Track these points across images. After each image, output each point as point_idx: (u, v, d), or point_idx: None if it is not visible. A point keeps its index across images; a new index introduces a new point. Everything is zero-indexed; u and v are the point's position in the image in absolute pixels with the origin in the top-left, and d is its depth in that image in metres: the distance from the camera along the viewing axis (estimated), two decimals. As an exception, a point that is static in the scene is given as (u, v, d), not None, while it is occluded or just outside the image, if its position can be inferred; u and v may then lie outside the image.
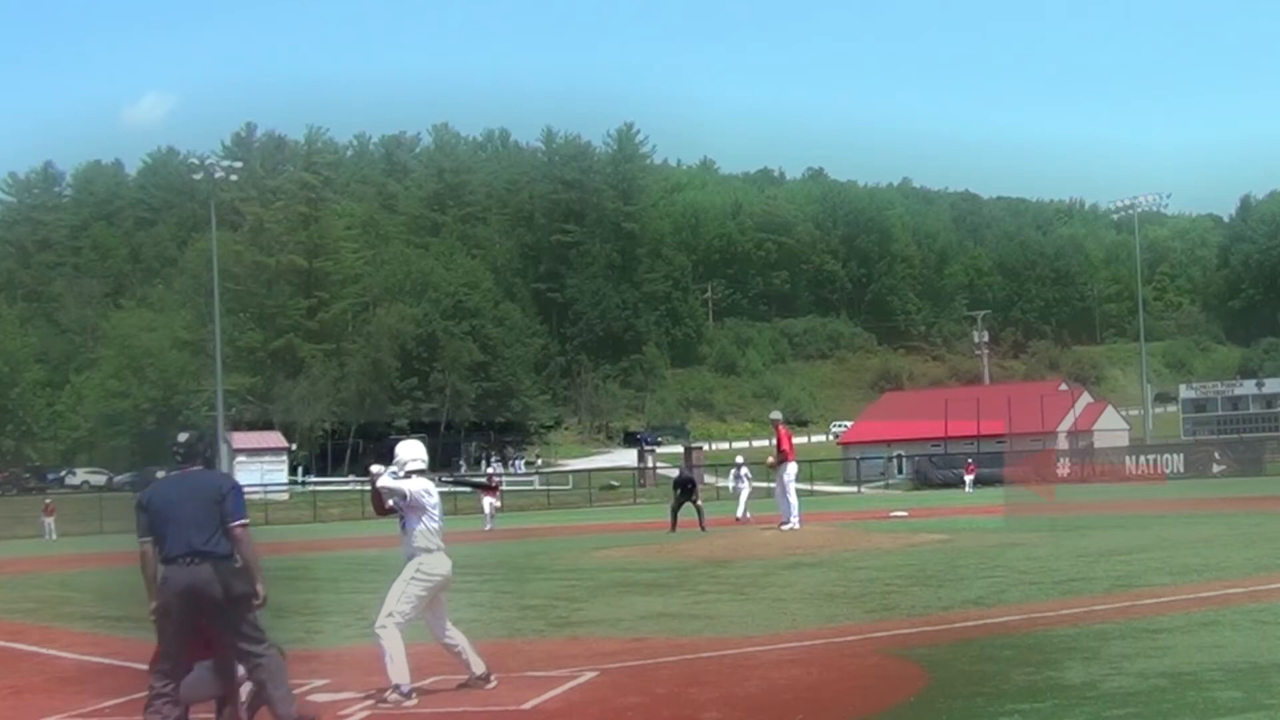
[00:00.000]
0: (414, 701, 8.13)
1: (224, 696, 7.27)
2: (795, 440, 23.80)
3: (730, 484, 36.37)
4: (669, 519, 28.39)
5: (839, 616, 11.80)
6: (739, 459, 36.84)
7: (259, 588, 7.03)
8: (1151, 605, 11.47)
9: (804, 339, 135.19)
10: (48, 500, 50.93)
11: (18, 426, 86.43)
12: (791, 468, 21.65)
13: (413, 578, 8.44)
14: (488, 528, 35.71)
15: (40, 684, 9.95)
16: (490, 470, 42.17)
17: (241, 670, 7.16)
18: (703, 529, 26.92)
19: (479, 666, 8.54)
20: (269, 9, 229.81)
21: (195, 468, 7.26)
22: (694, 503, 28.74)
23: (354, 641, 11.45)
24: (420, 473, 8.61)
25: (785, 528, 20.89)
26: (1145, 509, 29.32)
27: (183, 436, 7.42)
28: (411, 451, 8.72)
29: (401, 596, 8.40)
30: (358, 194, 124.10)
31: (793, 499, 21.23)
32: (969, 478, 54.92)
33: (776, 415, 23.11)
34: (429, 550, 8.45)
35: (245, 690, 7.46)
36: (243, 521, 7.04)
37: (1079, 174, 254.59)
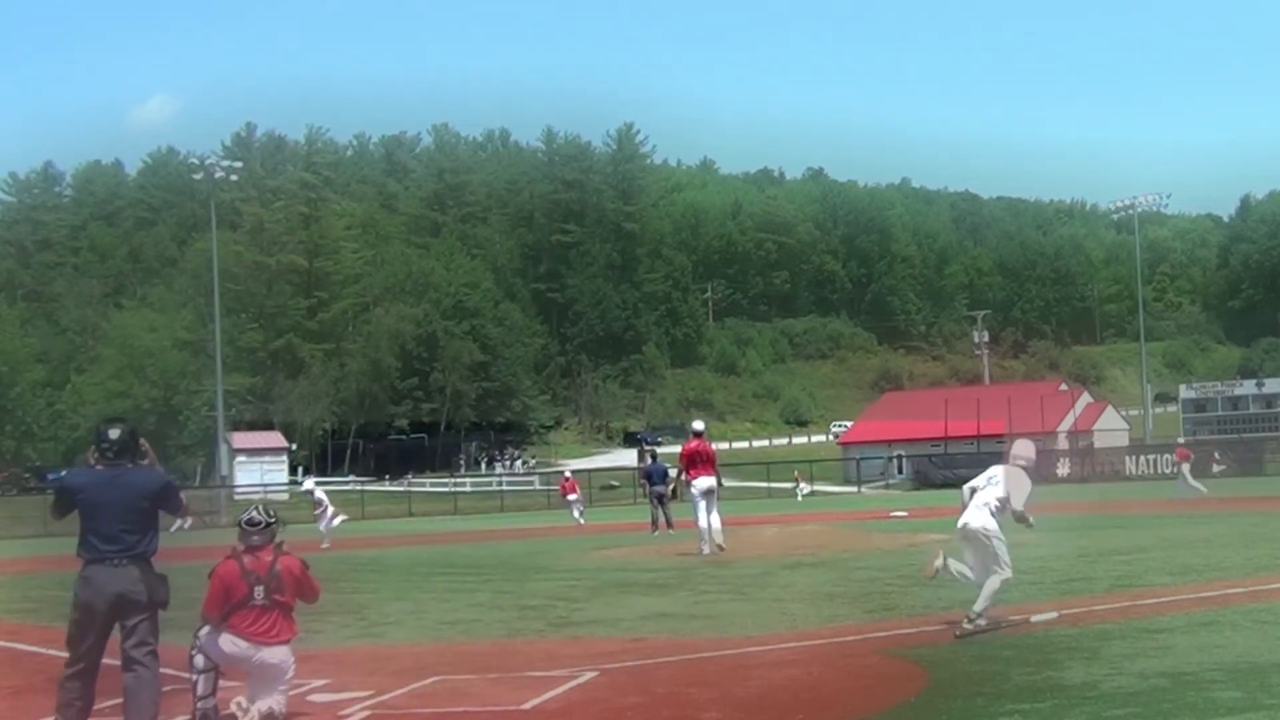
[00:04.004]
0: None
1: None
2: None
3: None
4: (664, 519, 28.14)
5: (839, 616, 11.79)
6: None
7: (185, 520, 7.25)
8: (1151, 605, 11.46)
9: (804, 339, 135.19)
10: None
11: (17, 426, 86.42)
12: (700, 483, 19.46)
13: None
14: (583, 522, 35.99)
15: (40, 684, 9.92)
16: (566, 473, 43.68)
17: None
18: (669, 528, 26.61)
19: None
20: (269, 9, 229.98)
21: (126, 465, 7.04)
22: (662, 500, 28.28)
23: (354, 641, 11.46)
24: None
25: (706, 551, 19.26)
26: (1145, 509, 29.32)
27: (113, 433, 7.08)
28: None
29: None
30: (358, 194, 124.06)
31: (702, 521, 19.43)
32: (802, 485, 53.38)
33: (698, 426, 21.21)
34: None
35: (205, 681, 7.49)
36: (183, 508, 7.18)
37: (1079, 174, 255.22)
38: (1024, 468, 10.17)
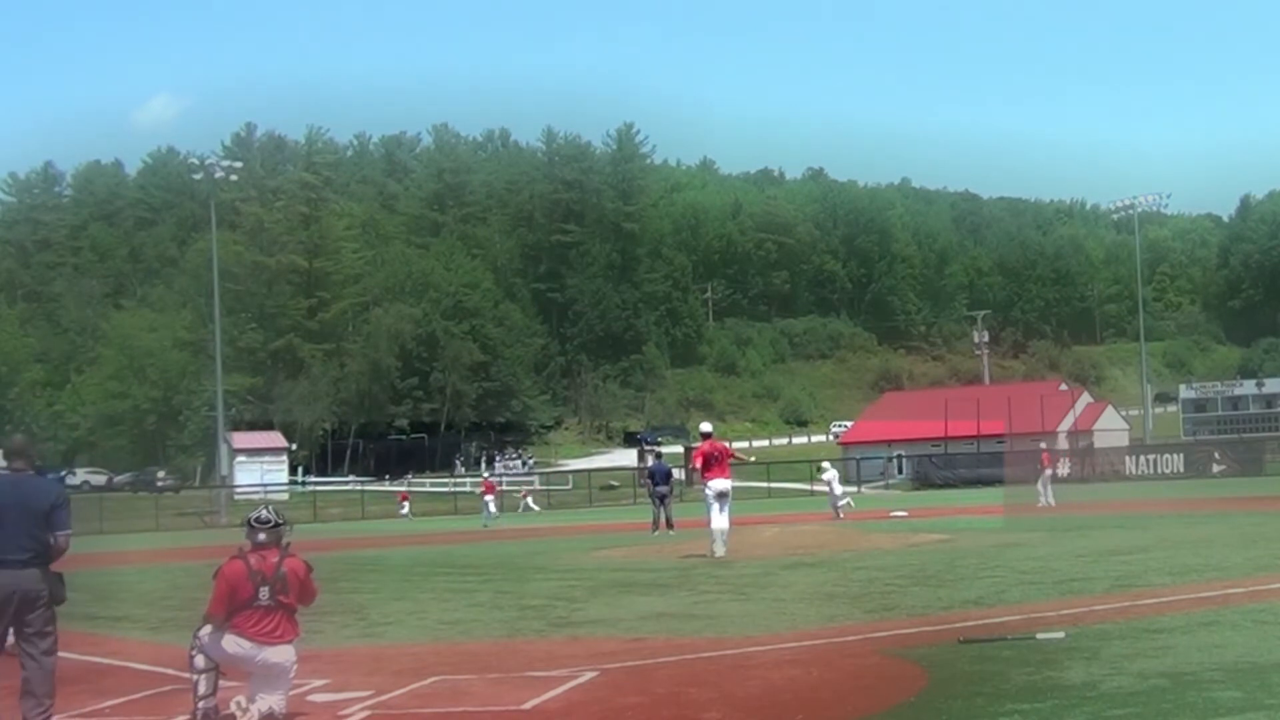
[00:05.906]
0: None
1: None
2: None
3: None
4: (664, 519, 28.16)
5: (839, 616, 11.78)
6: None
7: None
8: (1151, 605, 11.45)
9: (804, 339, 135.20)
10: None
11: (17, 426, 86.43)
12: (716, 484, 19.22)
13: None
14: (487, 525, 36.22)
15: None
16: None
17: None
18: (669, 528, 26.79)
19: None
20: (269, 9, 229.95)
21: (26, 472, 7.33)
22: (664, 500, 28.30)
23: (354, 641, 11.46)
24: None
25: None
26: (1145, 509, 29.31)
27: (14, 441, 7.46)
28: None
29: None
30: (358, 194, 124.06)
31: (714, 522, 19.07)
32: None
33: (706, 427, 21.00)
34: None
35: (205, 681, 7.52)
36: (67, 533, 7.31)
37: (1079, 174, 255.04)
38: None
